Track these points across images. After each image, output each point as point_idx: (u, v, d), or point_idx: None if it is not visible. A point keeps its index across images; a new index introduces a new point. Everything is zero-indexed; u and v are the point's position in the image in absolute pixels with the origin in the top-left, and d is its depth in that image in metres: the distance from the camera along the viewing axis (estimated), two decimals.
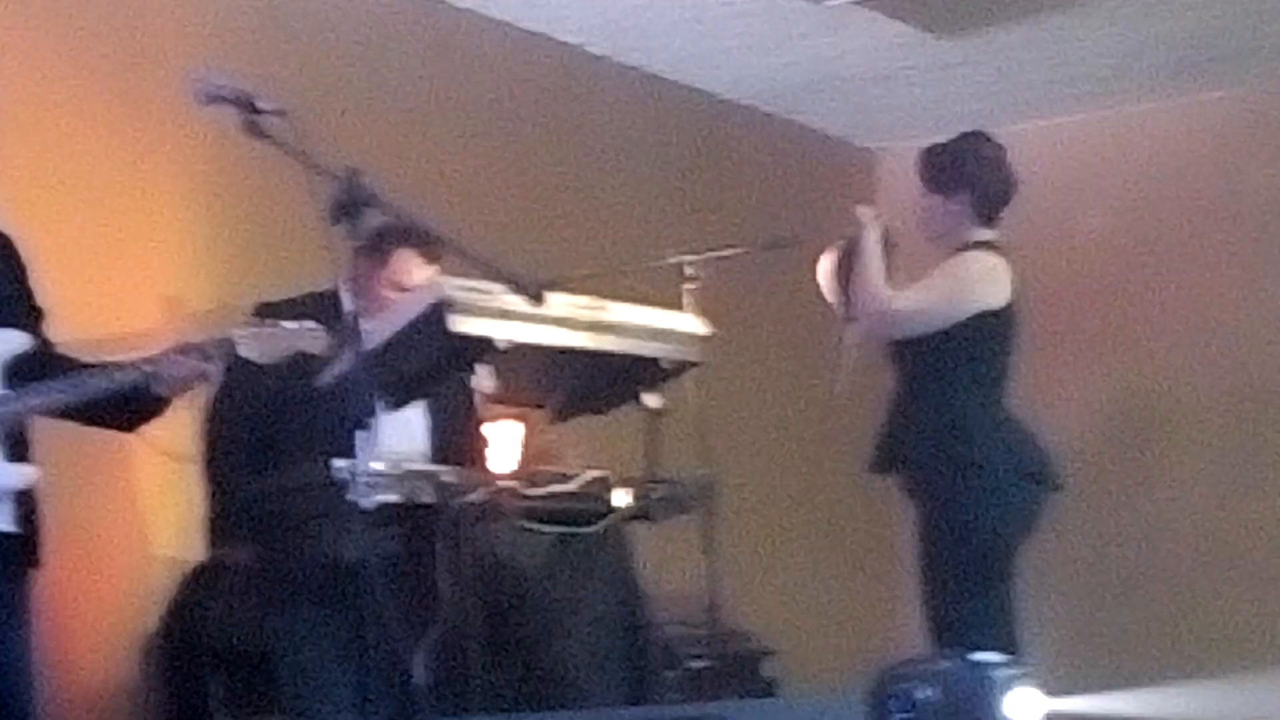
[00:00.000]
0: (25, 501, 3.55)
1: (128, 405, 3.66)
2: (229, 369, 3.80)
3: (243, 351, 3.71)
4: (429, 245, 4.44)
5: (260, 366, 3.78)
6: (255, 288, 4.53)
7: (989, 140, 4.83)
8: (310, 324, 3.80)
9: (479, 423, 4.55)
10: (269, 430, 4.37)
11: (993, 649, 4.14)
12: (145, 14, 5.14)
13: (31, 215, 3.92)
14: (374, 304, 4.43)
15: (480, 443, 4.53)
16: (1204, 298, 7.28)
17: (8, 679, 3.54)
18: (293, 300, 4.35)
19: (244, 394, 4.29)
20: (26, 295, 3.67)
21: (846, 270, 4.81)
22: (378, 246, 4.49)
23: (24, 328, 3.60)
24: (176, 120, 4.88)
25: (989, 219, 4.79)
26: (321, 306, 4.35)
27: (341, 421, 4.31)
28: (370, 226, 4.43)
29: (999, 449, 4.60)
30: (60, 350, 3.68)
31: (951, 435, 4.59)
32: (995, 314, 4.68)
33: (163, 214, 5.12)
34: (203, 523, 4.46)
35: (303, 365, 4.04)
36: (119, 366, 3.62)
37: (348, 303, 4.49)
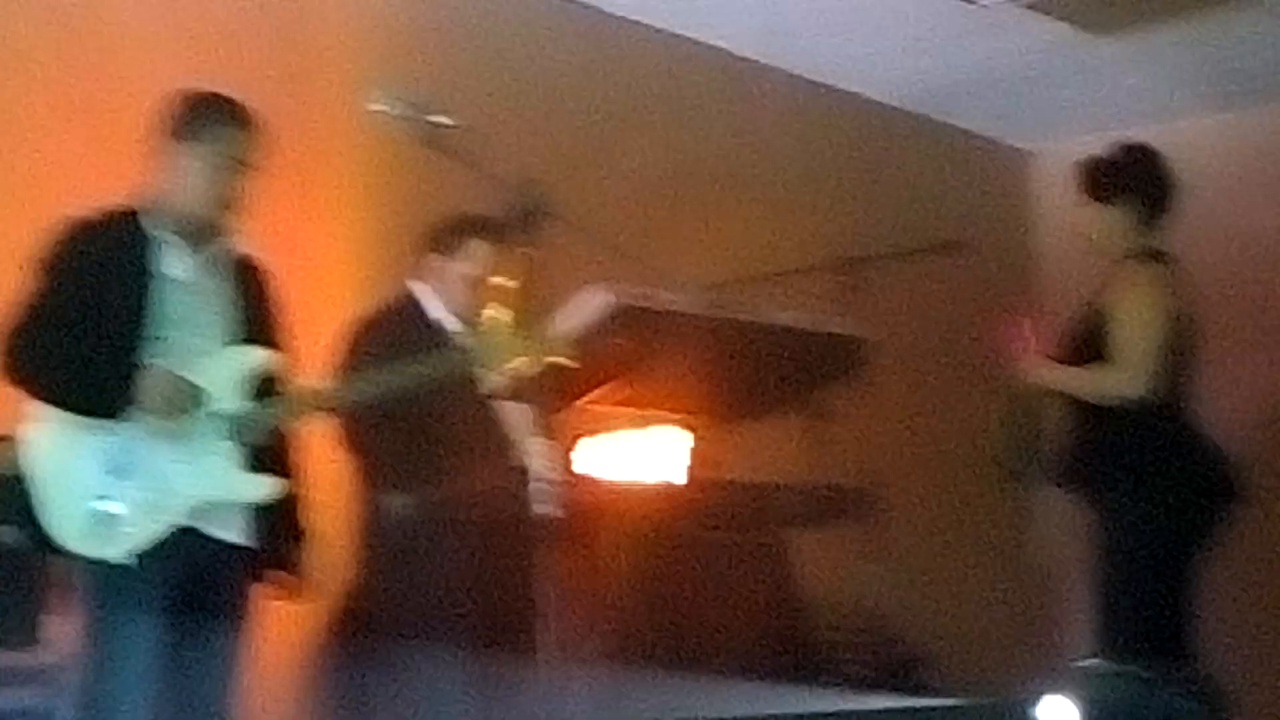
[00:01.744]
0: (263, 514, 3.52)
1: None
2: None
3: None
4: (501, 236, 4.34)
5: None
6: None
7: (1148, 150, 4.78)
8: None
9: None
10: (435, 437, 4.42)
11: (1173, 662, 4.09)
12: (316, 26, 5.22)
13: None
14: (457, 301, 4.43)
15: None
16: None
17: (217, 696, 3.51)
18: (382, 314, 4.37)
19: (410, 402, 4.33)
20: (267, 322, 3.64)
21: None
22: (448, 240, 4.49)
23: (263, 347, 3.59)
24: (349, 132, 4.97)
25: (1150, 226, 4.73)
26: (406, 314, 4.36)
27: (503, 429, 4.40)
28: (444, 220, 4.45)
29: (1178, 459, 4.53)
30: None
31: (1132, 446, 4.54)
32: (1169, 323, 4.61)
33: (335, 225, 5.20)
34: (371, 527, 4.53)
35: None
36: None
37: (433, 306, 4.46)
